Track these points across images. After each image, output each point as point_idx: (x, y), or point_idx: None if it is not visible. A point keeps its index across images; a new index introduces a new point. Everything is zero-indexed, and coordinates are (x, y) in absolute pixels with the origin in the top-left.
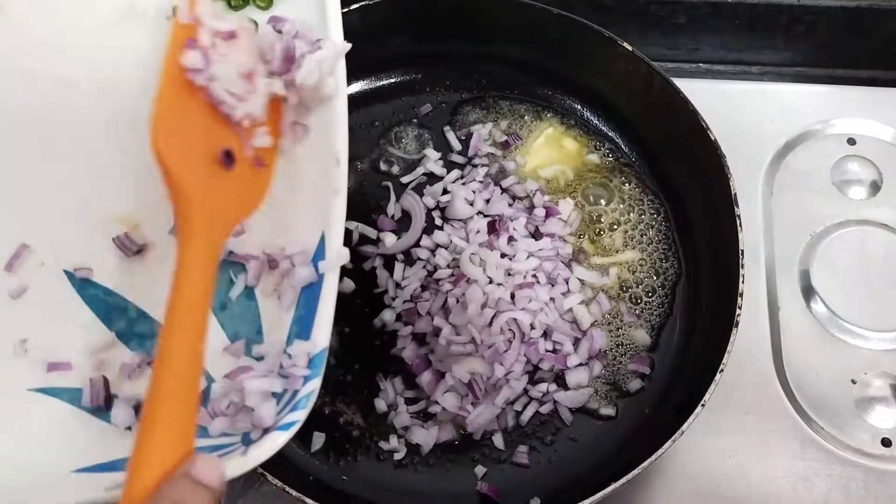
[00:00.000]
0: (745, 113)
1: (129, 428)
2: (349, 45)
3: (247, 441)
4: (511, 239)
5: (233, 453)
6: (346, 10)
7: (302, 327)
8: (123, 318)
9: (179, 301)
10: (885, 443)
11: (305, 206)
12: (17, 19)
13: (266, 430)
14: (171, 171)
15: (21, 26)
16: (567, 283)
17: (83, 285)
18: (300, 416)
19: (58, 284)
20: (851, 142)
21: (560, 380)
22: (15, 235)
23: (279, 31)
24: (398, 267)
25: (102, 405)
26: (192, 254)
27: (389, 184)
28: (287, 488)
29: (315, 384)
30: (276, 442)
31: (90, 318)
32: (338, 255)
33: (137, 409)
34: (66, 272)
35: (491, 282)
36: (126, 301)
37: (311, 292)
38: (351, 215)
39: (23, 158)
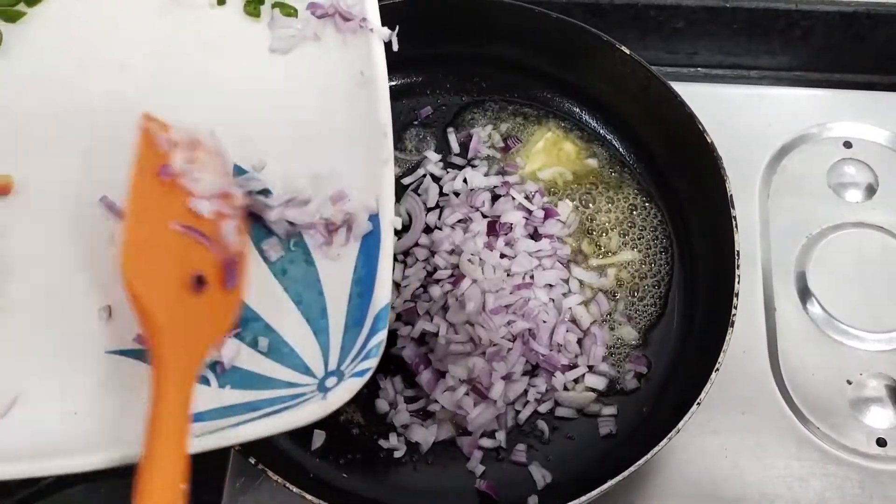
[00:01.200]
0: (742, 116)
1: (209, 384)
2: (388, 31)
3: (323, 389)
4: (510, 240)
5: (311, 399)
6: None
7: (363, 287)
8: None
9: (156, 430)
10: (881, 443)
11: (358, 177)
12: (62, 5)
13: (340, 379)
14: (141, 303)
15: (68, 13)
16: (566, 283)
17: None
18: (372, 363)
19: None
20: (848, 145)
21: (559, 379)
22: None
23: (319, 17)
24: (398, 267)
25: None
26: (164, 382)
27: None
28: (288, 484)
29: (382, 335)
30: (353, 386)
31: None
32: (391, 218)
33: (214, 367)
34: None
35: (490, 282)
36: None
37: (368, 254)
38: None
39: (75, 145)
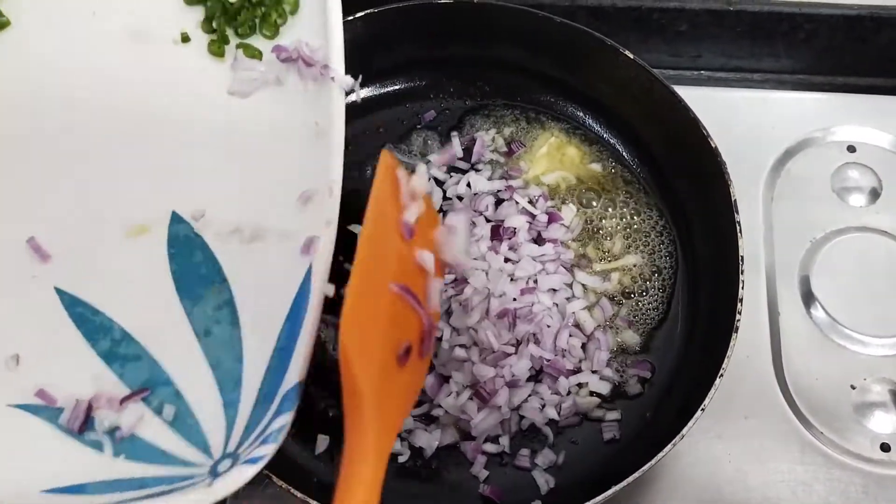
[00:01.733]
0: (746, 120)
1: (102, 450)
2: (351, 81)
3: (214, 473)
4: (514, 244)
5: (198, 484)
6: (350, 17)
7: (282, 360)
8: (108, 339)
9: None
10: (885, 448)
11: (298, 236)
12: (25, 33)
13: (234, 463)
14: (352, 371)
15: (29, 40)
16: (570, 287)
17: (72, 302)
18: (269, 450)
19: (48, 300)
20: (851, 149)
21: (563, 384)
22: (13, 240)
23: (283, 60)
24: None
25: (81, 427)
26: (362, 456)
27: None
28: (292, 489)
29: (286, 418)
30: (243, 475)
31: (76, 336)
32: (321, 286)
33: (112, 434)
34: (56, 289)
35: (493, 287)
36: (111, 321)
37: (294, 322)
38: (356, 219)
39: (27, 169)
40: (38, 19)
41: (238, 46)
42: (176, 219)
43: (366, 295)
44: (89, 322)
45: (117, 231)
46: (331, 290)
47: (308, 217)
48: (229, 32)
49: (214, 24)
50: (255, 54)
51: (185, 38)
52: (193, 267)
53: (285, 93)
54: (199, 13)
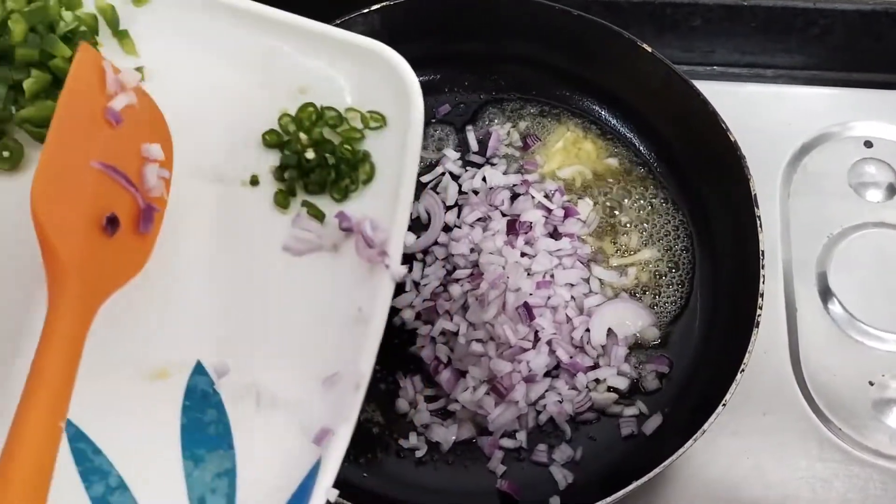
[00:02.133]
0: (761, 115)
1: None
2: (404, 271)
3: None
4: (530, 239)
5: None
6: (366, 10)
7: None
8: (103, 484)
9: (42, 369)
10: None
11: (317, 419)
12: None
13: None
14: (48, 237)
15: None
16: (587, 283)
17: (76, 436)
18: None
19: None
20: (868, 145)
21: (581, 380)
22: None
23: (343, 229)
24: (417, 266)
25: None
26: (59, 319)
27: None
28: None
29: None
30: None
31: (72, 473)
32: (325, 493)
33: None
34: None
35: (510, 281)
36: (111, 466)
37: None
38: None
39: None
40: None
41: (303, 204)
42: (199, 369)
43: (60, 167)
44: (88, 462)
45: (137, 368)
46: (334, 495)
47: (328, 404)
48: (298, 186)
49: (286, 175)
50: (318, 215)
51: (255, 182)
52: (203, 425)
53: (337, 264)
54: (273, 157)
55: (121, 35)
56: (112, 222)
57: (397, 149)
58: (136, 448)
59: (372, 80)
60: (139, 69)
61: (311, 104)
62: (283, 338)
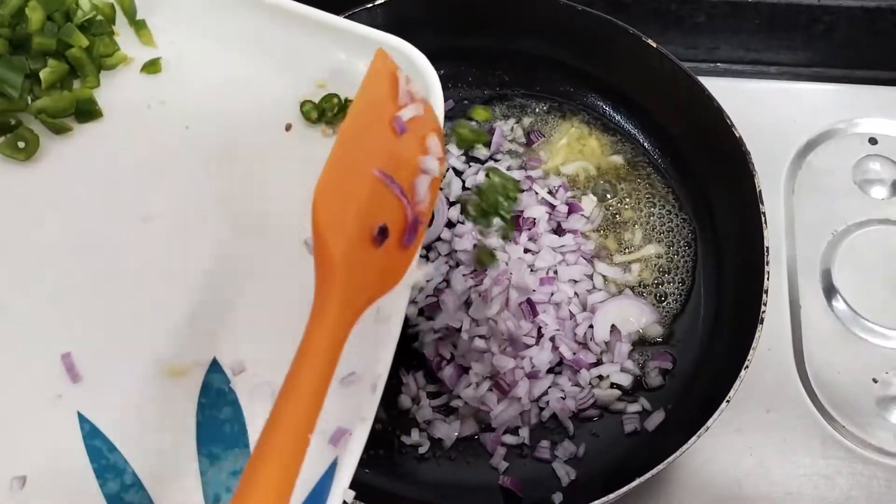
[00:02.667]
0: (765, 112)
1: None
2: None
3: None
4: (533, 235)
5: None
6: (370, 5)
7: None
8: (118, 482)
9: (301, 370)
10: None
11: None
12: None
13: None
14: (324, 239)
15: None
16: (591, 279)
17: (91, 433)
18: None
19: (68, 424)
20: (873, 141)
21: (584, 376)
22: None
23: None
24: (420, 262)
25: None
26: (323, 325)
27: None
28: None
29: None
30: None
31: (87, 471)
32: (342, 494)
33: None
34: (79, 414)
35: (513, 277)
36: (126, 464)
37: None
38: None
39: (77, 281)
40: (129, 120)
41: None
42: (215, 367)
43: (343, 171)
44: (103, 459)
45: (154, 366)
46: (350, 496)
47: (345, 404)
48: None
49: None
50: None
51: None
52: (219, 423)
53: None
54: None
55: (138, 25)
56: (383, 232)
57: None
58: (152, 446)
59: None
60: (156, 60)
61: (336, 95)
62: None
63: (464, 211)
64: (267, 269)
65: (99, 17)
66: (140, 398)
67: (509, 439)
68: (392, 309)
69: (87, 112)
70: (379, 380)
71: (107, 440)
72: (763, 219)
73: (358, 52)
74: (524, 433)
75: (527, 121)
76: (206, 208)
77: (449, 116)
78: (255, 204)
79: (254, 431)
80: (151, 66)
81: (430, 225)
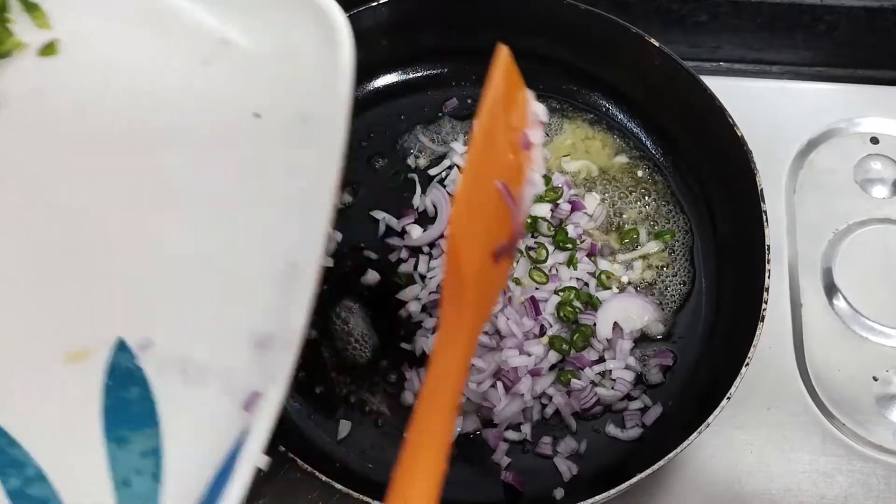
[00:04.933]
0: (767, 111)
1: None
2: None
3: None
4: (536, 232)
5: None
6: (374, 3)
7: None
8: (20, 477)
9: (438, 378)
10: None
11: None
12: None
13: None
14: (458, 257)
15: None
16: (593, 277)
17: None
18: None
19: None
20: (874, 141)
21: (586, 373)
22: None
23: None
24: (423, 259)
25: None
26: (457, 339)
27: (415, 176)
28: (317, 473)
29: None
30: None
31: None
32: (254, 459)
33: None
34: None
35: (515, 274)
36: (28, 457)
37: (215, 491)
38: (378, 207)
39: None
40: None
41: None
42: (120, 346)
43: (477, 186)
44: (4, 454)
45: (56, 351)
46: (264, 462)
47: (259, 367)
48: None
49: None
50: None
51: None
52: (126, 404)
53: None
54: None
55: (31, 7)
56: (505, 249)
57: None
58: (55, 437)
59: (297, 28)
60: (53, 42)
61: None
62: (212, 303)
63: None
64: (167, 237)
65: None
66: (40, 388)
67: (511, 435)
68: (306, 263)
69: None
70: (293, 335)
71: (6, 435)
72: (764, 217)
73: (257, 7)
74: (526, 429)
75: None
76: (107, 185)
77: (452, 115)
78: (164, 176)
79: (164, 408)
80: (48, 49)
81: (433, 222)
